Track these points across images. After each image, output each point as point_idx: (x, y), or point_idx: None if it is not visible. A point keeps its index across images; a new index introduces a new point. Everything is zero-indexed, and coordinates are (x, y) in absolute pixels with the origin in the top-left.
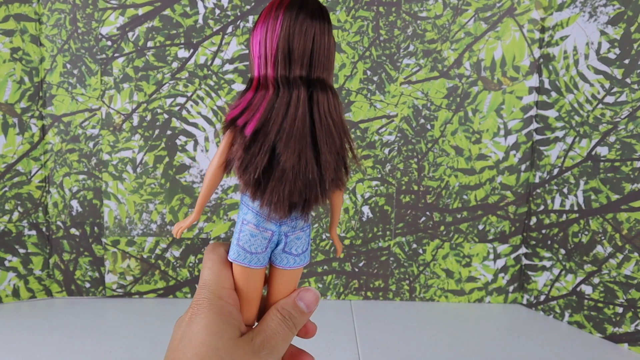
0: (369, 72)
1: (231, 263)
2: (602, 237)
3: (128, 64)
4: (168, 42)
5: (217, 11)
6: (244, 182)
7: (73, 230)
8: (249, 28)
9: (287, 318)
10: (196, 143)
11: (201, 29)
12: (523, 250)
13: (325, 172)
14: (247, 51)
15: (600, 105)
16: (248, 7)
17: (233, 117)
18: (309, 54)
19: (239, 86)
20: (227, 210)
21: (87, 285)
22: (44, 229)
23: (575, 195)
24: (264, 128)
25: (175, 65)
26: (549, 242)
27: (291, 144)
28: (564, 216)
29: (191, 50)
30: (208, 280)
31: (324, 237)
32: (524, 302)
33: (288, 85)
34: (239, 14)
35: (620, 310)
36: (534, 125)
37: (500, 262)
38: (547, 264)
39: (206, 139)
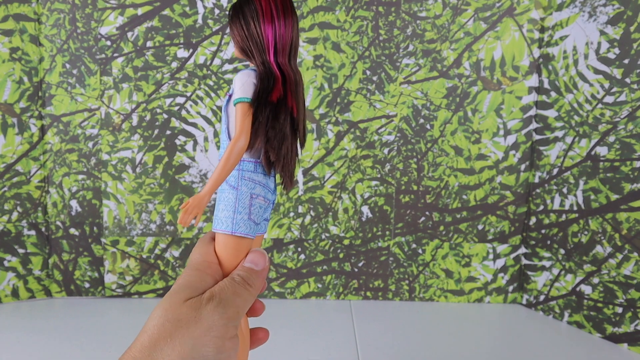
0: (368, 72)
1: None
2: (602, 237)
3: (127, 64)
4: (167, 42)
5: (217, 11)
6: (270, 154)
7: (72, 230)
8: None
9: (236, 275)
10: (195, 143)
11: (200, 29)
12: (523, 250)
13: (303, 141)
14: None
15: (599, 105)
16: None
17: (259, 94)
18: (296, 46)
19: None
20: None
21: (87, 285)
22: (43, 229)
23: (575, 195)
24: (284, 103)
25: (174, 65)
26: (549, 242)
27: (301, 115)
28: (564, 216)
29: (190, 50)
30: (193, 259)
31: (323, 237)
32: (524, 302)
33: (292, 70)
34: None
35: (619, 310)
36: (534, 125)
37: (500, 262)
38: (547, 264)
39: (205, 139)
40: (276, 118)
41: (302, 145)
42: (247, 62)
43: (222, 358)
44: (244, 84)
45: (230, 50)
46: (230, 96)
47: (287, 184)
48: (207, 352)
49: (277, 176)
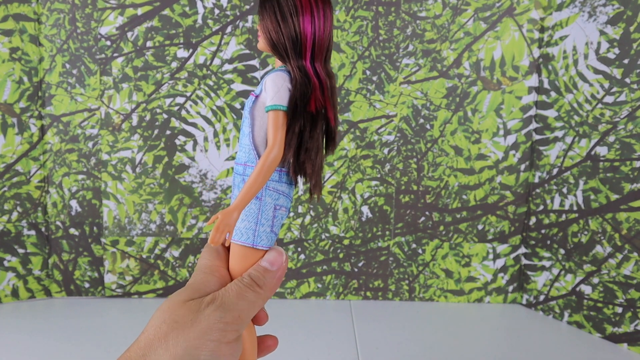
0: (368, 72)
1: (225, 251)
2: (602, 237)
3: (127, 64)
4: (167, 42)
5: (217, 11)
6: (307, 166)
7: (72, 230)
8: (248, 28)
9: (246, 277)
10: (195, 143)
11: (200, 29)
12: (522, 250)
13: (334, 149)
14: (247, 51)
15: (599, 105)
16: (247, 7)
17: (295, 103)
18: (331, 45)
19: (238, 86)
20: None
21: (87, 285)
22: (43, 229)
23: (575, 195)
24: (321, 113)
25: (174, 65)
26: (549, 242)
27: (337, 124)
28: (564, 216)
29: (190, 50)
30: (200, 263)
31: (323, 237)
32: (524, 302)
33: (328, 74)
34: (238, 13)
35: (619, 310)
36: (534, 125)
37: (500, 262)
38: (547, 264)
39: (205, 139)
40: (314, 128)
41: (332, 153)
42: (250, 62)
43: None
44: (279, 89)
45: (231, 50)
46: (256, 97)
47: (318, 194)
48: (201, 356)
49: (305, 186)
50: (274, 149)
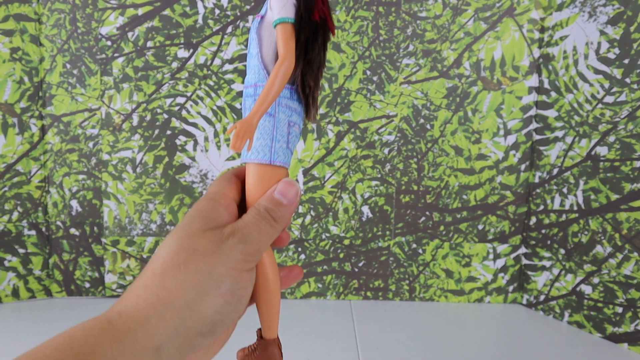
0: (368, 72)
1: (239, 178)
2: (602, 237)
3: (128, 64)
4: (168, 42)
5: (217, 11)
6: (309, 79)
7: (73, 230)
8: (249, 28)
9: (263, 210)
10: (196, 143)
11: (201, 29)
12: (523, 250)
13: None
14: (246, 51)
15: (599, 105)
16: (248, 7)
17: (301, 14)
18: None
19: (239, 86)
20: None
21: (87, 285)
22: (43, 229)
23: (575, 195)
24: (323, 23)
25: (175, 65)
26: (549, 242)
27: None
28: (564, 216)
29: (191, 50)
30: (209, 190)
31: (323, 237)
32: (524, 302)
33: None
34: (238, 13)
35: (620, 310)
36: (534, 125)
37: (500, 262)
38: (547, 263)
39: (206, 139)
40: (315, 40)
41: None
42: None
43: (238, 289)
44: (285, 4)
45: (231, 50)
46: (262, 17)
47: (314, 113)
48: (222, 282)
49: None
50: (287, 60)
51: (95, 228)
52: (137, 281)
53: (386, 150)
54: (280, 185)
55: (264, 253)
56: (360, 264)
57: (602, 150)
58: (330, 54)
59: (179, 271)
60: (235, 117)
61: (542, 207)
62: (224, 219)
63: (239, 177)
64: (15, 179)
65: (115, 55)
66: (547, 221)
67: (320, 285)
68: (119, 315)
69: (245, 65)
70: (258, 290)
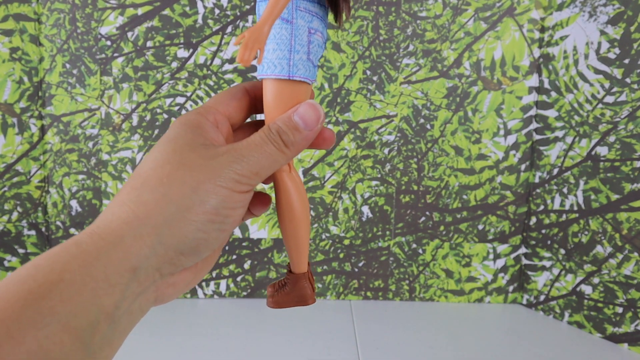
0: (368, 72)
1: (249, 94)
2: (602, 237)
3: (127, 64)
4: (167, 42)
5: (217, 11)
6: None
7: (72, 231)
8: (248, 28)
9: (275, 132)
10: None
11: (201, 29)
12: (523, 250)
13: None
14: None
15: (600, 105)
16: (247, 7)
17: None
18: None
19: None
20: None
21: None
22: (43, 229)
23: (575, 195)
24: None
25: (174, 65)
26: (549, 242)
27: None
28: (564, 216)
29: (190, 50)
30: (204, 104)
31: (323, 237)
32: (524, 302)
33: None
34: (238, 13)
35: (620, 310)
36: (534, 125)
37: (500, 262)
38: (547, 264)
39: None
40: None
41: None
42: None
43: (224, 209)
44: None
45: (231, 50)
46: None
47: (346, 14)
48: (208, 198)
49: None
50: None
51: None
52: (115, 198)
53: (386, 150)
54: (302, 106)
55: (287, 178)
56: (360, 264)
57: (602, 150)
58: (330, 54)
59: (160, 184)
60: None
61: (542, 207)
62: (213, 138)
63: (250, 93)
64: (15, 179)
65: (115, 55)
66: (547, 221)
67: (320, 285)
68: (89, 237)
69: (244, 67)
70: (284, 221)
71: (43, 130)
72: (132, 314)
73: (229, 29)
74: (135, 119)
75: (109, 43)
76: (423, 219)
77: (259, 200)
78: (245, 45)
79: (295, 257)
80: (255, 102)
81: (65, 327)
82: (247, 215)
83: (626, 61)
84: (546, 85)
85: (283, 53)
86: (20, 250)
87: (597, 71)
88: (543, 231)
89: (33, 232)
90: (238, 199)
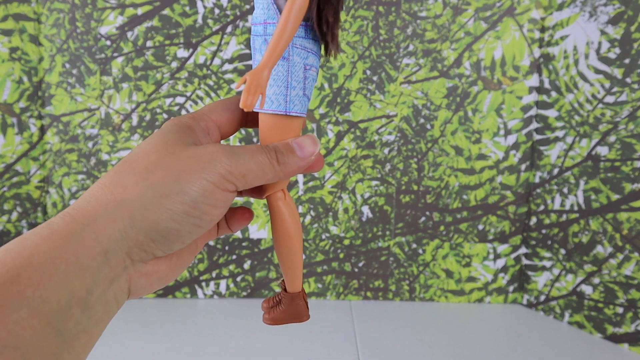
0: (368, 72)
1: (239, 111)
2: (602, 237)
3: (127, 64)
4: (167, 42)
5: (217, 11)
6: (328, 14)
7: None
8: (248, 28)
9: (271, 148)
10: None
11: (200, 29)
12: (523, 250)
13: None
14: (247, 51)
15: (600, 105)
16: (247, 6)
17: None
18: None
19: None
20: None
21: None
22: None
23: (576, 195)
24: None
25: (174, 65)
26: (549, 242)
27: None
28: (564, 216)
29: (190, 50)
30: (198, 110)
31: (323, 237)
32: (524, 302)
33: None
34: (238, 13)
35: (620, 310)
36: (534, 125)
37: (500, 262)
38: (547, 264)
39: None
40: None
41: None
42: (250, 62)
43: (203, 204)
44: None
45: (231, 50)
46: None
47: (336, 50)
48: (189, 189)
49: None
50: None
51: None
52: (97, 181)
53: (386, 150)
54: (301, 137)
55: (282, 205)
56: (360, 264)
57: (602, 150)
58: None
59: (144, 169)
60: None
61: (542, 207)
62: (202, 141)
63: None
64: (15, 179)
65: (115, 55)
66: (547, 221)
67: (320, 286)
68: (62, 218)
69: (245, 65)
70: (280, 246)
71: (43, 130)
72: (107, 304)
73: (229, 29)
74: (135, 119)
75: (108, 43)
76: (423, 219)
77: (240, 214)
78: (248, 91)
79: (290, 278)
80: (246, 117)
81: (35, 312)
82: (223, 231)
83: (626, 61)
84: (546, 85)
85: (280, 89)
86: None
87: (597, 71)
88: (543, 231)
89: None
90: (220, 197)
